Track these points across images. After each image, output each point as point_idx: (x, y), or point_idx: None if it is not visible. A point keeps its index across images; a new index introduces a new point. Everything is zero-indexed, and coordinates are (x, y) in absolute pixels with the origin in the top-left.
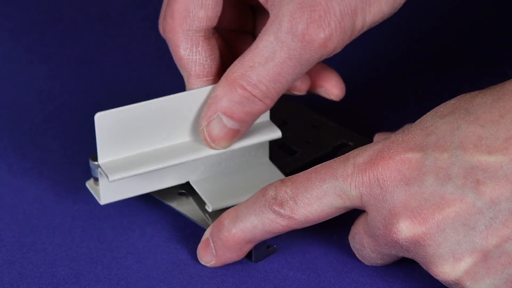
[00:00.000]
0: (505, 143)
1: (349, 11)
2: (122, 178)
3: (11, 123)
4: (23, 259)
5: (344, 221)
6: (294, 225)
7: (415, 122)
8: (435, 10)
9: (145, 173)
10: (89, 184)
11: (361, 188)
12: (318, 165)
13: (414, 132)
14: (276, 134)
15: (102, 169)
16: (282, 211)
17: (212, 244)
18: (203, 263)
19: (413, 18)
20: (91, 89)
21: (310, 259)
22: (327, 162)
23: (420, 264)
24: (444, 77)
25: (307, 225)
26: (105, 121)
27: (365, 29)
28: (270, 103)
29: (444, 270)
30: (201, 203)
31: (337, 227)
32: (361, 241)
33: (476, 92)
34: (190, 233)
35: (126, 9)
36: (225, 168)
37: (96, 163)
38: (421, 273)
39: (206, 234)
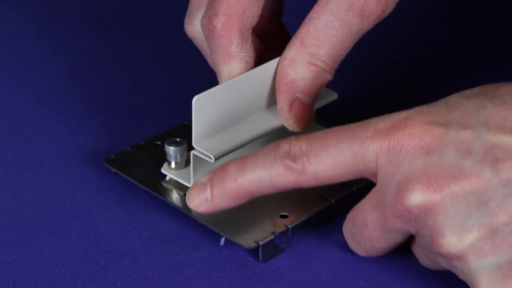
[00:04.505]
0: None
1: None
2: (223, 156)
3: (8, 124)
4: (19, 260)
5: (341, 223)
6: (302, 182)
7: (439, 100)
8: (440, 13)
9: (240, 147)
10: (165, 169)
11: (379, 152)
12: (336, 127)
13: (438, 106)
14: (333, 96)
15: (200, 151)
16: (294, 165)
17: (209, 190)
18: (191, 206)
19: (419, 22)
20: (88, 91)
21: (306, 260)
22: (345, 125)
23: (422, 238)
24: (451, 81)
25: (314, 184)
26: (201, 103)
27: None
28: (334, 72)
29: (451, 241)
30: None
31: (334, 229)
32: (363, 219)
33: (502, 83)
34: (188, 235)
35: (123, 10)
36: (281, 136)
37: (172, 147)
38: (416, 276)
39: (203, 179)
